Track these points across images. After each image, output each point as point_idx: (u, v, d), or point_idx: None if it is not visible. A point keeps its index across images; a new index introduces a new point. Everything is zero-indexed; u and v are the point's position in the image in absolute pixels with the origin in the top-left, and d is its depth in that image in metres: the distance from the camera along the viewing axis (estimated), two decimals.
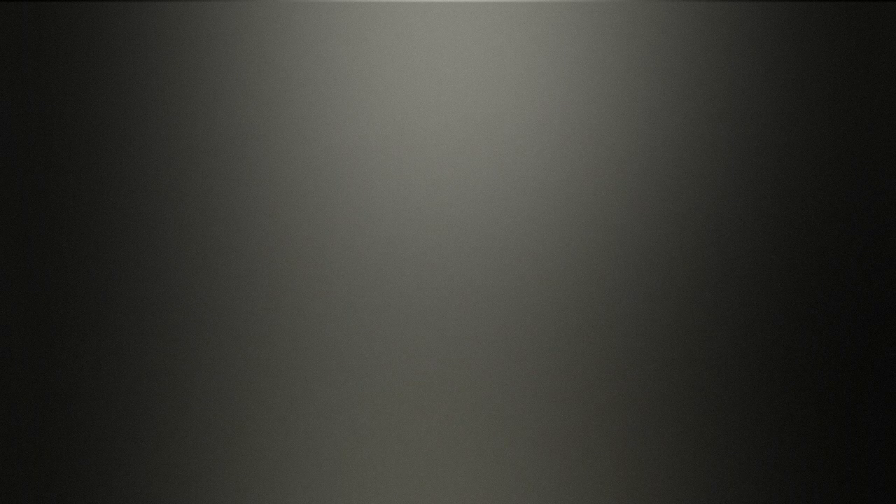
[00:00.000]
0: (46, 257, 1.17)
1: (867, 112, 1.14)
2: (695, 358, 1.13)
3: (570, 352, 1.14)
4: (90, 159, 1.17)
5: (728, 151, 1.14)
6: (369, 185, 1.15)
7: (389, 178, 1.15)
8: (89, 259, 1.16)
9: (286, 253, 1.15)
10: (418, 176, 1.15)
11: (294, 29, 1.16)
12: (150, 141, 1.17)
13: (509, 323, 1.14)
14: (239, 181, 1.16)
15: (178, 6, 1.17)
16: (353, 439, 1.14)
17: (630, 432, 1.13)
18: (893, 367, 1.12)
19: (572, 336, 1.14)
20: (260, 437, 1.15)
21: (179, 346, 1.16)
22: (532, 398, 1.14)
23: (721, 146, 1.14)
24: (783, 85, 1.14)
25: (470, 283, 1.14)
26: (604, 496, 1.13)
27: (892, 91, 1.14)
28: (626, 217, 1.14)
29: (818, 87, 1.14)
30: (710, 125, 1.14)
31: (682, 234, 1.14)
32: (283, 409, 1.15)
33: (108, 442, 1.16)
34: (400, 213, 1.15)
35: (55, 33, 1.18)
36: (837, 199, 1.13)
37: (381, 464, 1.14)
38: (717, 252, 1.13)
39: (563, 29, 1.15)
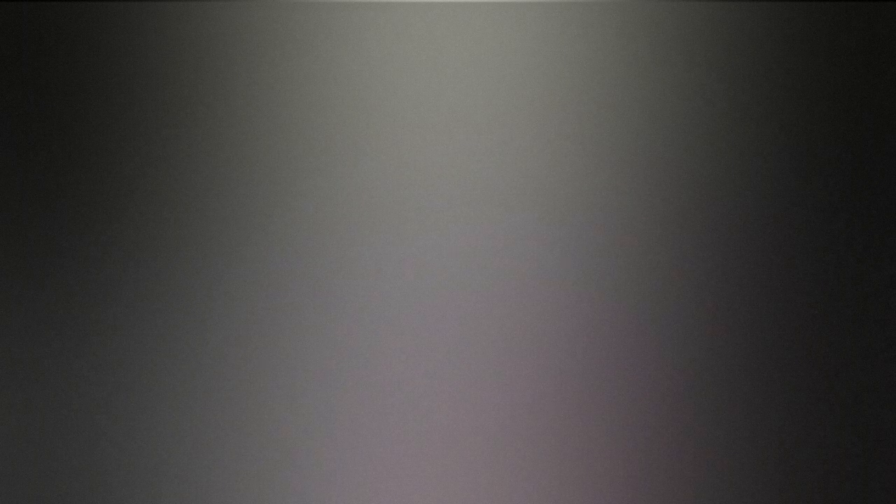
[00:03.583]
0: (46, 257, 1.17)
1: (867, 112, 1.14)
2: (694, 358, 1.13)
3: (570, 352, 1.14)
4: (90, 159, 1.17)
5: (728, 151, 1.14)
6: (369, 184, 1.15)
7: (389, 178, 1.15)
8: (89, 258, 1.16)
9: (285, 252, 1.15)
10: (418, 175, 1.15)
11: (294, 29, 1.16)
12: (149, 140, 1.17)
13: (509, 323, 1.14)
14: (238, 180, 1.16)
15: (178, 6, 1.17)
16: (352, 439, 1.14)
17: (630, 432, 1.13)
18: (893, 367, 1.12)
19: (572, 336, 1.14)
20: (260, 437, 1.15)
21: (179, 345, 1.16)
22: (532, 398, 1.14)
23: (721, 145, 1.14)
24: (783, 85, 1.14)
25: (470, 283, 1.14)
26: (603, 496, 1.13)
27: (892, 91, 1.14)
28: (626, 216, 1.14)
29: (818, 87, 1.14)
30: (709, 125, 1.14)
31: (682, 232, 1.14)
32: (283, 409, 1.15)
33: (107, 441, 1.16)
34: (399, 213, 1.15)
35: (55, 33, 1.18)
36: (837, 198, 1.13)
37: (381, 464, 1.14)
38: (716, 251, 1.13)
39: (563, 29, 1.15)
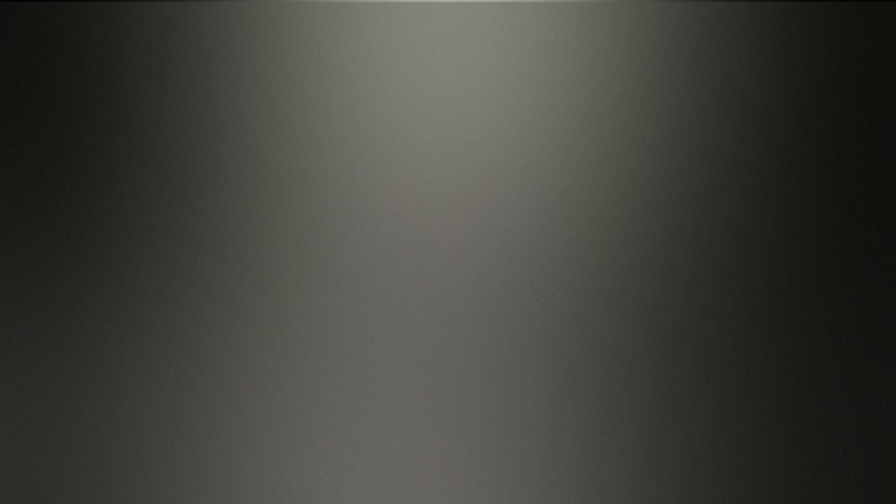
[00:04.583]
0: (46, 257, 1.17)
1: (867, 112, 1.14)
2: (694, 359, 1.13)
3: (570, 353, 1.14)
4: (90, 159, 1.17)
5: (728, 151, 1.14)
6: (369, 184, 1.15)
7: (389, 178, 1.15)
8: (89, 259, 1.16)
9: (285, 253, 1.15)
10: (418, 176, 1.15)
11: (294, 29, 1.16)
12: (149, 141, 1.17)
13: (509, 323, 1.14)
14: (238, 181, 1.16)
15: (178, 6, 1.17)
16: (352, 439, 1.14)
17: (629, 433, 1.13)
18: (893, 367, 1.12)
19: (572, 337, 1.14)
20: (259, 437, 1.15)
21: (178, 346, 1.16)
22: (530, 398, 1.14)
23: (720, 146, 1.14)
24: (783, 85, 1.14)
25: (469, 284, 1.14)
26: (603, 496, 1.13)
27: (893, 91, 1.14)
28: (626, 217, 1.14)
29: (818, 87, 1.14)
30: (709, 125, 1.14)
31: (682, 232, 1.14)
32: (282, 409, 1.15)
33: (106, 442, 1.16)
34: (399, 213, 1.15)
35: (55, 33, 1.18)
36: (837, 198, 1.13)
37: (381, 464, 1.14)
38: (717, 251, 1.13)
39: (563, 29, 1.15)
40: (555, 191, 1.14)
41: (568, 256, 1.14)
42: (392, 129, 1.15)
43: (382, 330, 1.14)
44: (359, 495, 1.14)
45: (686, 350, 1.13)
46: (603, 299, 1.13)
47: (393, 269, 1.15)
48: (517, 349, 1.14)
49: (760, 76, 1.14)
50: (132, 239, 1.16)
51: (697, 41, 1.14)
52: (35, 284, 1.16)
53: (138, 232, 1.16)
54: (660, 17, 1.14)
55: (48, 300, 1.16)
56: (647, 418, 1.13)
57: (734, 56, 1.14)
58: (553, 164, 1.14)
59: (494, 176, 1.15)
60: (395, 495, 1.14)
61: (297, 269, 1.15)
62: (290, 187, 1.16)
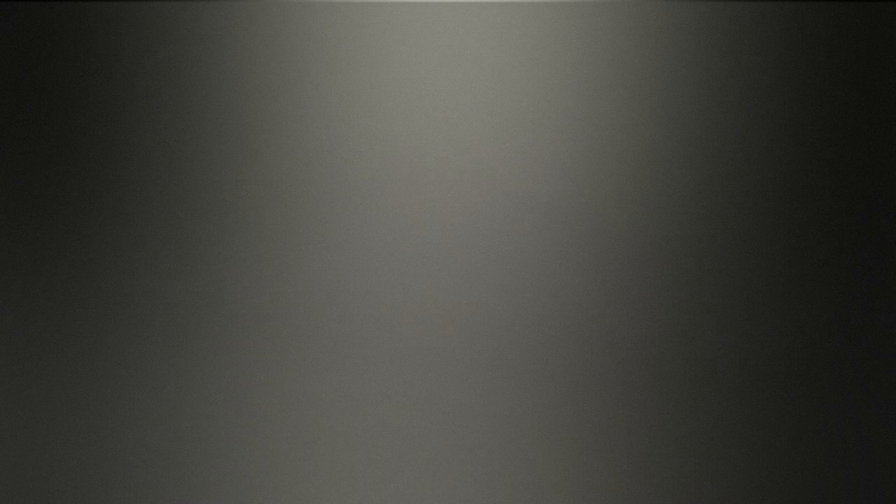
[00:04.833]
0: (46, 257, 1.17)
1: (867, 112, 1.14)
2: (694, 359, 1.13)
3: (570, 353, 1.14)
4: (90, 159, 1.17)
5: (728, 151, 1.14)
6: (369, 184, 1.15)
7: (389, 178, 1.15)
8: (89, 259, 1.16)
9: (285, 253, 1.15)
10: (418, 175, 1.15)
11: (294, 29, 1.16)
12: (149, 141, 1.17)
13: (509, 323, 1.14)
14: (238, 181, 1.16)
15: (178, 6, 1.17)
16: (352, 439, 1.14)
17: (629, 433, 1.13)
18: (893, 367, 1.12)
19: (572, 336, 1.14)
20: (257, 437, 1.15)
21: (178, 346, 1.16)
22: (530, 398, 1.14)
23: (721, 146, 1.14)
24: (783, 85, 1.14)
25: (469, 283, 1.14)
26: (603, 496, 1.13)
27: (893, 91, 1.14)
28: (626, 216, 1.14)
29: (818, 87, 1.14)
30: (709, 125, 1.14)
31: (682, 232, 1.14)
32: (282, 409, 1.15)
33: (106, 442, 1.16)
34: (399, 213, 1.15)
35: (55, 33, 1.18)
36: (837, 198, 1.13)
37: (381, 464, 1.14)
38: (717, 251, 1.13)
39: (563, 29, 1.15)
40: (555, 190, 1.14)
41: (568, 256, 1.14)
42: (392, 128, 1.16)
43: (382, 330, 1.14)
44: (359, 495, 1.14)
45: (686, 350, 1.13)
46: (603, 299, 1.14)
47: (393, 269, 1.15)
48: (517, 349, 1.14)
49: (760, 76, 1.14)
50: (132, 239, 1.16)
51: (697, 41, 1.14)
52: (35, 284, 1.17)
53: (138, 232, 1.16)
54: (660, 17, 1.15)
55: (48, 300, 1.16)
56: (647, 418, 1.13)
57: (734, 56, 1.14)
58: (553, 164, 1.14)
59: (494, 175, 1.15)
60: (395, 495, 1.14)
61: (297, 269, 1.15)
62: (290, 187, 1.16)
